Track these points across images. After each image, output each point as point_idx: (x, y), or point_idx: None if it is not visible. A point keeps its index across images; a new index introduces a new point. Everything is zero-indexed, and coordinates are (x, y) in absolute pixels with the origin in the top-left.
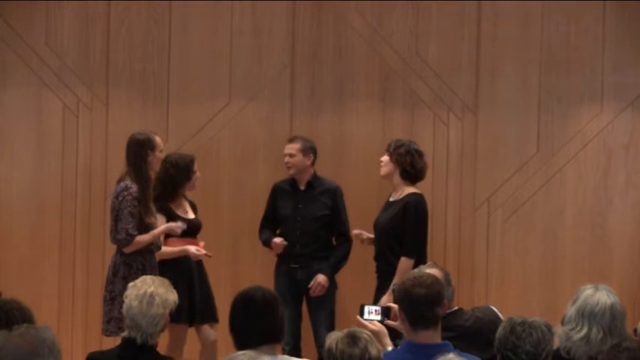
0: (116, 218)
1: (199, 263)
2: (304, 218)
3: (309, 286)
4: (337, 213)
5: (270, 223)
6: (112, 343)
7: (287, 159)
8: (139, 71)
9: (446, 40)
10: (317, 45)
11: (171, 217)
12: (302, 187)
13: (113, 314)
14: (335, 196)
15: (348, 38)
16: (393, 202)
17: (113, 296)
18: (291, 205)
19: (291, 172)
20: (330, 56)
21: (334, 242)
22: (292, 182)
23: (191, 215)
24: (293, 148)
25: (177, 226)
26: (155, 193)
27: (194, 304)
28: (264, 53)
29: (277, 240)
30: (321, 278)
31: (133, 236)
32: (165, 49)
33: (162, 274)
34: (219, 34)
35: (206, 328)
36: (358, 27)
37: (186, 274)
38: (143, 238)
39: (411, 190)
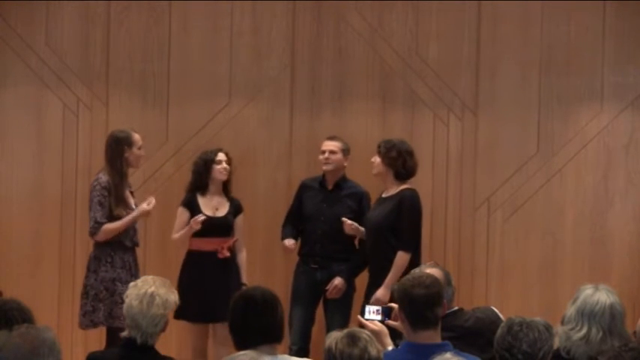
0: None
1: (223, 261)
2: (327, 218)
3: (326, 287)
4: (361, 218)
5: (295, 219)
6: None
7: (327, 155)
8: (139, 71)
9: (446, 40)
10: (317, 45)
11: (194, 212)
12: (329, 187)
13: (86, 308)
14: (361, 200)
15: (348, 38)
16: (387, 197)
17: (87, 290)
18: (316, 203)
19: (329, 168)
20: (330, 56)
21: (357, 246)
22: (321, 181)
23: (220, 213)
24: (335, 145)
25: (147, 203)
26: (189, 185)
27: (207, 303)
28: (264, 53)
29: (287, 242)
30: (338, 281)
31: (100, 224)
32: (165, 49)
33: (181, 271)
34: (219, 34)
35: (217, 327)
36: (358, 27)
37: (201, 273)
38: (112, 226)
39: (404, 185)
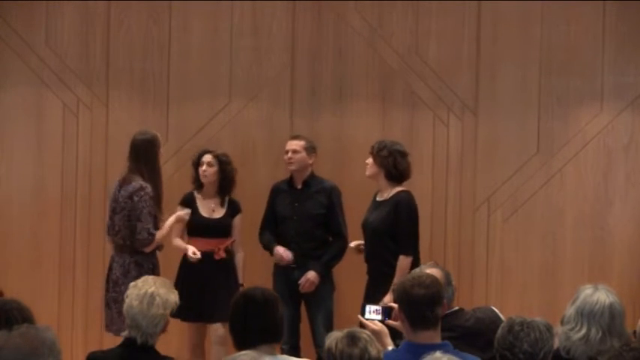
0: (130, 218)
1: (219, 262)
2: (300, 217)
3: (299, 282)
4: (332, 212)
5: (270, 224)
6: (112, 342)
7: (290, 155)
8: (139, 71)
9: (446, 40)
10: (317, 45)
11: (192, 211)
12: (299, 186)
13: None
14: (331, 195)
15: (348, 38)
16: (382, 201)
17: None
18: (287, 204)
19: (293, 167)
20: (330, 56)
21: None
22: (289, 181)
23: (216, 215)
24: (298, 144)
25: (185, 213)
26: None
27: (202, 303)
28: (264, 53)
29: (280, 250)
30: (310, 275)
31: (153, 235)
32: (166, 49)
33: (178, 270)
34: (219, 34)
35: (213, 326)
36: (358, 27)
37: (196, 274)
38: (160, 236)
39: (399, 188)
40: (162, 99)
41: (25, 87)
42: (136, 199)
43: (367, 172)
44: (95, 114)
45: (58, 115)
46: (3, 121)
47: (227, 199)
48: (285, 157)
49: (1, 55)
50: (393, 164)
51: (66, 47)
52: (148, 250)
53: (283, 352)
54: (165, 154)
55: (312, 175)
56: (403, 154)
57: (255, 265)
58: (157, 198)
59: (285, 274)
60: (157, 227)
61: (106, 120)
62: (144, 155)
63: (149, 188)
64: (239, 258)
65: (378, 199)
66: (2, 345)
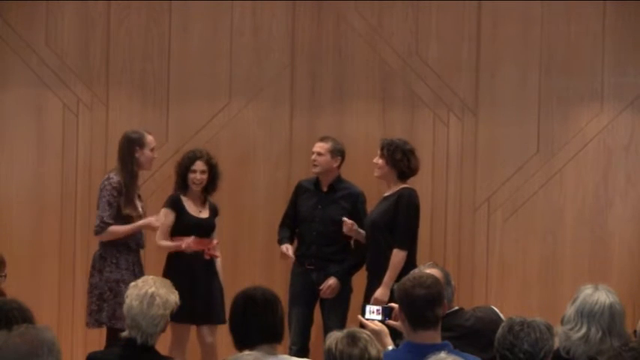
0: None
1: (208, 263)
2: (322, 220)
3: (320, 287)
4: (357, 219)
5: (291, 220)
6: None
7: (314, 157)
8: (139, 71)
9: (446, 40)
10: (317, 45)
11: (180, 213)
12: (324, 189)
13: (92, 307)
14: (356, 201)
15: (348, 38)
16: (386, 197)
17: (91, 289)
18: (310, 205)
19: (316, 170)
20: (330, 56)
21: (352, 246)
22: (316, 182)
23: (203, 215)
24: (322, 147)
25: (156, 219)
26: (174, 185)
27: (195, 304)
28: (264, 53)
29: (284, 248)
30: (332, 281)
31: (106, 224)
32: (165, 49)
33: (165, 270)
34: (219, 34)
35: (203, 330)
36: (358, 27)
37: (188, 273)
38: (118, 229)
39: (403, 185)
40: (163, 99)
41: (25, 87)
42: (100, 188)
43: (377, 174)
44: (95, 114)
45: (58, 115)
46: (3, 120)
47: (208, 199)
48: (312, 158)
49: (1, 55)
50: (407, 165)
51: (66, 47)
52: (100, 238)
53: (291, 352)
54: (165, 154)
55: (339, 179)
56: (413, 152)
57: (255, 265)
58: (126, 194)
59: (303, 275)
60: (120, 219)
61: (106, 120)
62: (120, 151)
63: (114, 179)
64: (219, 261)
65: (384, 195)
66: (2, 345)
